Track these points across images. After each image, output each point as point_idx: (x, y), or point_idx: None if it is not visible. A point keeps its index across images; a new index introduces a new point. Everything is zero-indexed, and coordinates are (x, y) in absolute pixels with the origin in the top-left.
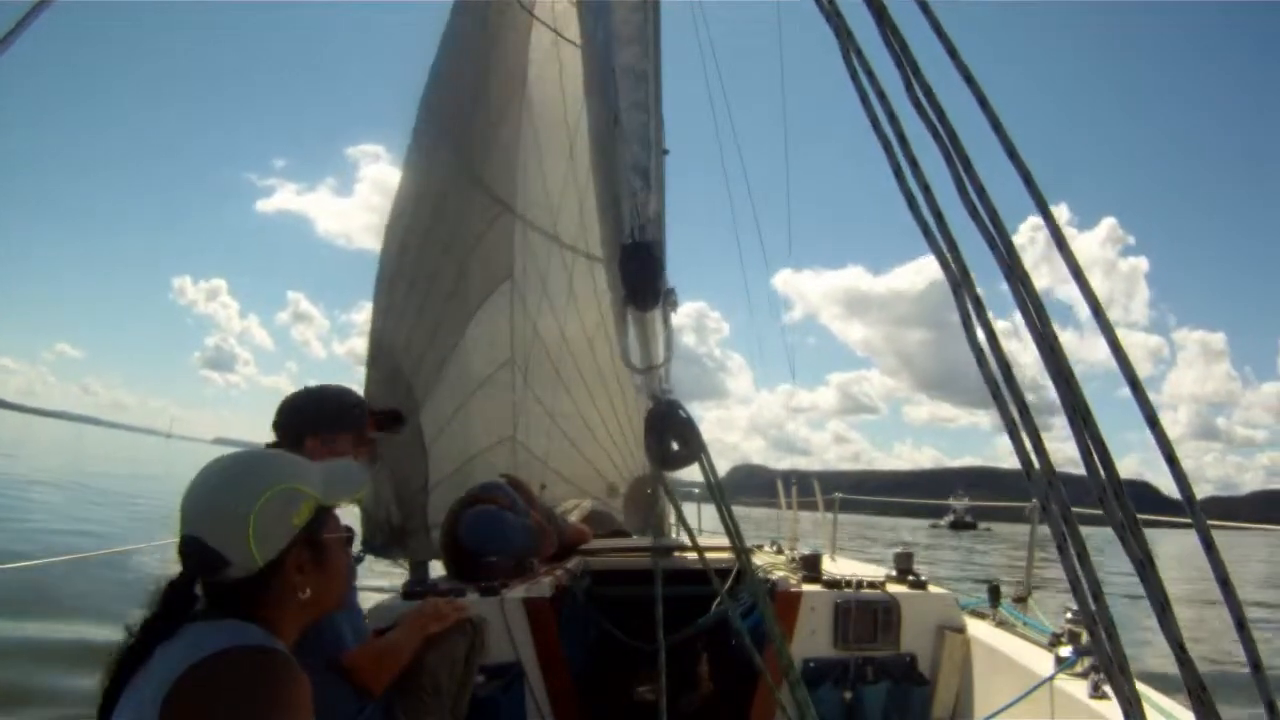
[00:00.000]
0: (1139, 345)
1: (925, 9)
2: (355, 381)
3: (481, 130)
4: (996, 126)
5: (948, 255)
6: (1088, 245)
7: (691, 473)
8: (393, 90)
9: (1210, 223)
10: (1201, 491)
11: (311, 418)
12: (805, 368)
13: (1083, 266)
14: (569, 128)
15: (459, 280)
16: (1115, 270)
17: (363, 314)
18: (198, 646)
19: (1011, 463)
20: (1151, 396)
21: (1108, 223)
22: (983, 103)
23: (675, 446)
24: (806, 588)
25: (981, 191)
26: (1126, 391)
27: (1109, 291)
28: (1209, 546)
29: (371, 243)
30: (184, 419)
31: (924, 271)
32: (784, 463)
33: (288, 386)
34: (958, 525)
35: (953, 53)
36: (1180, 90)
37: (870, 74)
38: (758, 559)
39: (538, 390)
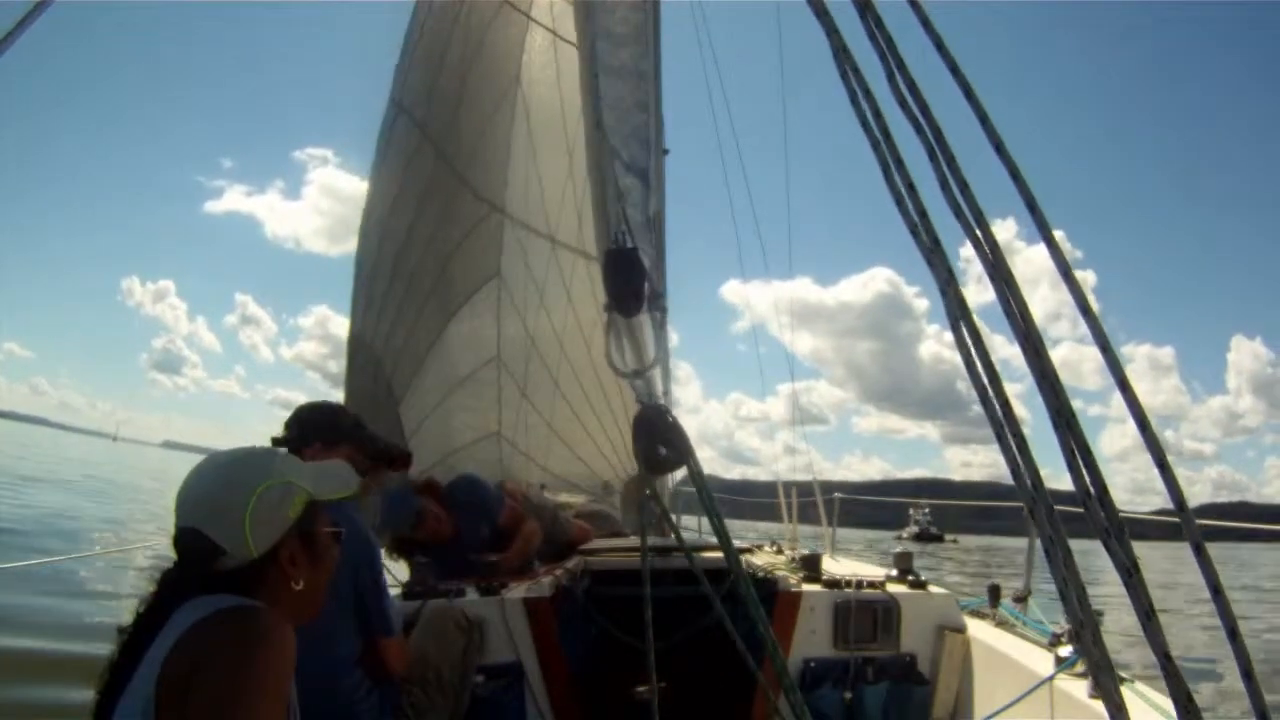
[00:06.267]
0: (1089, 359)
1: (913, 4)
2: (304, 385)
3: (468, 131)
4: (984, 119)
5: (934, 256)
6: (1035, 258)
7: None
8: (340, 94)
9: (1158, 237)
10: (1151, 504)
11: (315, 427)
12: (755, 377)
13: (1031, 280)
14: (567, 128)
15: (440, 278)
16: (1063, 284)
17: (311, 318)
18: (199, 610)
19: (961, 474)
20: (1101, 410)
21: (1055, 235)
22: (968, 93)
23: (663, 451)
24: (806, 588)
25: (965, 188)
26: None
27: (1057, 305)
28: (1198, 550)
29: (321, 246)
30: (132, 421)
31: (871, 284)
32: (733, 472)
33: (237, 390)
34: (923, 537)
35: (940, 45)
36: (1129, 103)
37: (857, 71)
38: (757, 559)
39: (530, 388)
